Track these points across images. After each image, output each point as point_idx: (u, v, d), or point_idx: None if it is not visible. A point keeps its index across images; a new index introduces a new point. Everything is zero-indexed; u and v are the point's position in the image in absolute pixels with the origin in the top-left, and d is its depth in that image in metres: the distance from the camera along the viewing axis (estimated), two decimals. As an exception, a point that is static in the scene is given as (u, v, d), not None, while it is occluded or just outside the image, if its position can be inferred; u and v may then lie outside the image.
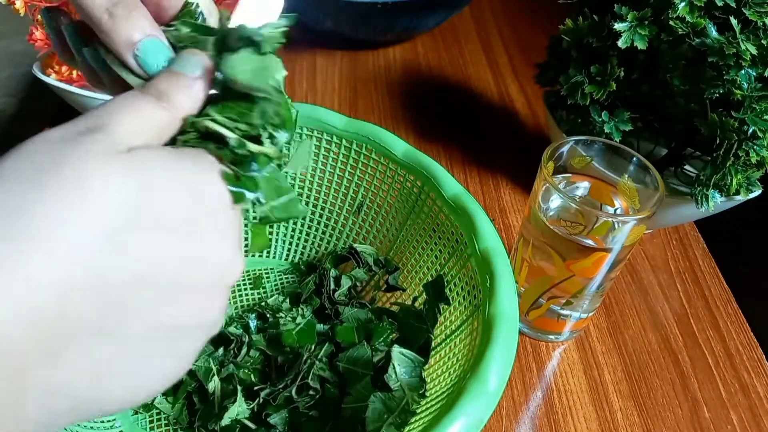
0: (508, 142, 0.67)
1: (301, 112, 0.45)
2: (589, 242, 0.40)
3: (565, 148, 0.43)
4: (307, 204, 0.49)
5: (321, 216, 0.49)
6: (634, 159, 0.42)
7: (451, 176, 0.42)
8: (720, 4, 0.43)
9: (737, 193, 0.47)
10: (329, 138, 0.46)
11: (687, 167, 0.54)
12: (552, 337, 0.46)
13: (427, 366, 0.39)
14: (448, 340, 0.39)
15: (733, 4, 0.43)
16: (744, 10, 0.43)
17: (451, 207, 0.40)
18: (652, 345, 0.48)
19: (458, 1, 0.77)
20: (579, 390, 0.44)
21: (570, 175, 0.44)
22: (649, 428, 0.42)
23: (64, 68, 0.55)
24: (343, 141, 0.46)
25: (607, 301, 0.51)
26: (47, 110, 0.43)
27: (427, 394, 0.37)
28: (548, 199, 0.42)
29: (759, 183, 0.48)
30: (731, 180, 0.46)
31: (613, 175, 0.43)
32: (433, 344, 0.40)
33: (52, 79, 0.55)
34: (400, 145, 0.44)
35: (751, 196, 0.48)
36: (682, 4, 0.43)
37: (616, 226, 0.39)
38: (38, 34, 0.54)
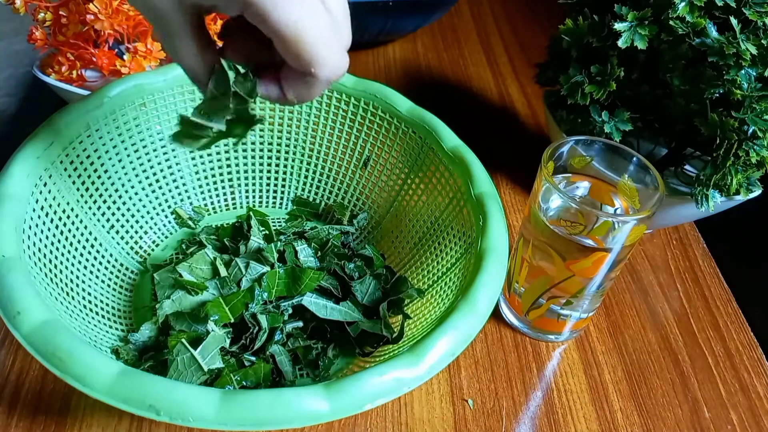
0: (508, 142, 0.67)
1: None
2: (589, 242, 0.40)
3: (565, 148, 0.43)
4: (318, 158, 0.53)
5: (330, 170, 0.52)
6: (634, 159, 0.42)
7: (451, 130, 0.45)
8: (720, 4, 0.43)
9: (737, 193, 0.47)
10: (339, 96, 0.50)
11: (687, 167, 0.54)
12: (552, 337, 0.46)
13: (425, 301, 0.42)
14: (444, 277, 0.42)
15: (733, 4, 0.43)
16: (744, 10, 0.43)
17: (450, 158, 0.44)
18: (652, 345, 0.48)
19: (432, 5, 0.76)
20: (579, 390, 0.44)
21: (570, 175, 0.44)
22: (649, 428, 0.42)
23: (64, 68, 0.55)
24: (352, 99, 0.49)
25: (607, 301, 0.51)
26: (47, 110, 0.43)
27: (424, 320, 0.40)
28: (548, 199, 0.42)
29: (759, 183, 0.48)
30: (731, 180, 0.46)
31: (613, 175, 0.43)
32: (429, 282, 0.43)
33: (52, 79, 0.55)
34: (404, 103, 0.48)
35: (751, 196, 0.48)
36: (682, 4, 0.43)
37: (616, 226, 0.39)
38: (38, 34, 0.54)
